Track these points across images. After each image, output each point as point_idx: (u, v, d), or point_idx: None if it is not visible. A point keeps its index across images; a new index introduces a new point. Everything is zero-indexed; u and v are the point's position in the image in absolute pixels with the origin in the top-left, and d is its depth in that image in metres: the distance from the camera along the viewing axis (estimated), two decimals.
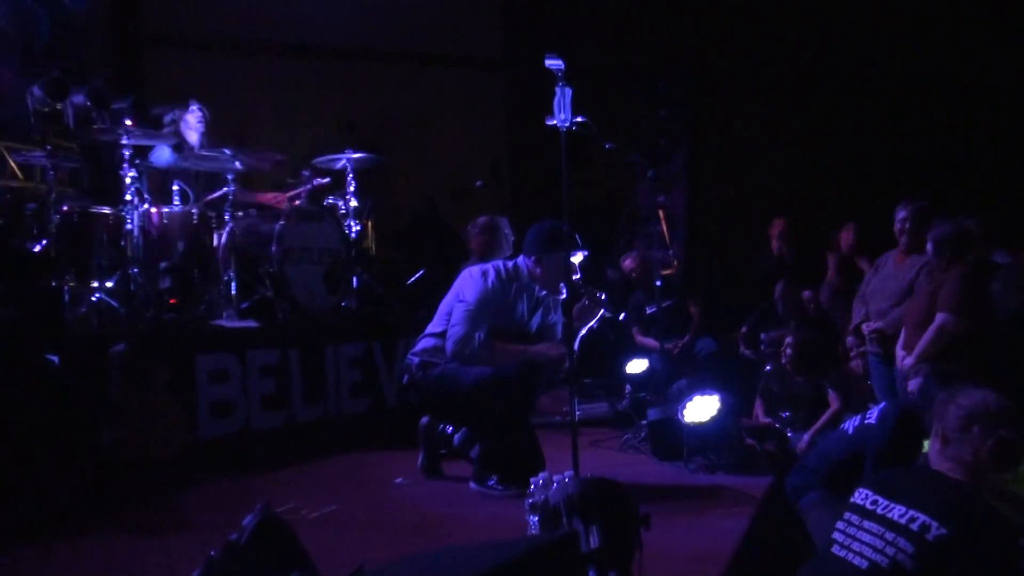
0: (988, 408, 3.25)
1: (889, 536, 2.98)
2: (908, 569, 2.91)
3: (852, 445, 4.47)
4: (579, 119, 4.61)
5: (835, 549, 3.17)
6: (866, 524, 3.09)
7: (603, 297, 5.28)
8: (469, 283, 5.28)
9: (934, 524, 2.92)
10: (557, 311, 5.39)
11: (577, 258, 5.19)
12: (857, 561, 3.04)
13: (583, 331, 5.25)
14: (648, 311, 8.11)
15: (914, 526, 2.94)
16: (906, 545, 2.93)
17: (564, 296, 5.11)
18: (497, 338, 5.16)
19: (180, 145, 7.34)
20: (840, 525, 3.22)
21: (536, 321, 5.42)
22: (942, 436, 3.30)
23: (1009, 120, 10.58)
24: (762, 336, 7.24)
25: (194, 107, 7.50)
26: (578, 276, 5.20)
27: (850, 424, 4.65)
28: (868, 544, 3.03)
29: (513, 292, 5.31)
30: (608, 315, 5.34)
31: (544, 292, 5.38)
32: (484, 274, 5.30)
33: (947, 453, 3.28)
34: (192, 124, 7.49)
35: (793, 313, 8.17)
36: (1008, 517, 3.15)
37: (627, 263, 8.70)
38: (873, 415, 4.49)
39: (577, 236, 5.04)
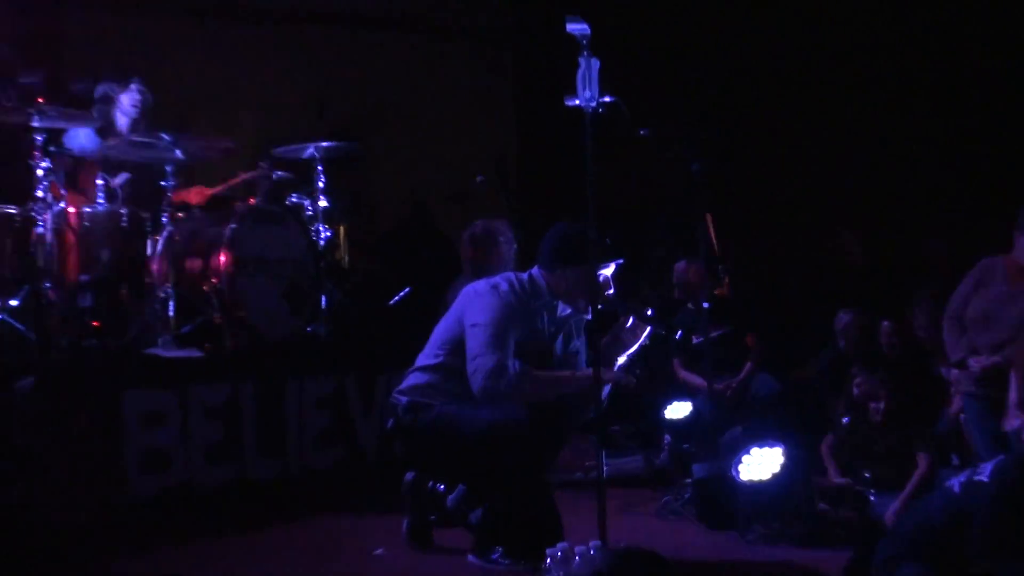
0: None
1: None
2: None
3: (958, 507, 4.42)
4: (607, 99, 4.62)
5: None
6: None
7: (650, 313, 5.25)
8: (477, 302, 5.23)
9: None
10: (580, 336, 5.35)
11: (609, 270, 5.17)
12: None
13: (623, 359, 5.21)
14: (694, 341, 8.05)
15: None
16: None
17: (589, 318, 5.07)
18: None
19: (105, 129, 7.33)
20: None
21: (557, 348, 5.39)
22: None
23: None
24: (857, 381, 7.18)
25: (135, 87, 7.51)
26: (611, 291, 5.17)
27: (956, 481, 4.60)
28: None
29: (533, 310, 5.27)
30: (659, 333, 5.31)
31: (568, 311, 5.33)
32: (494, 288, 5.25)
33: None
34: (126, 106, 7.50)
35: (862, 350, 8.10)
36: None
37: (689, 271, 8.53)
38: (985, 471, 4.45)
39: (608, 241, 5.02)
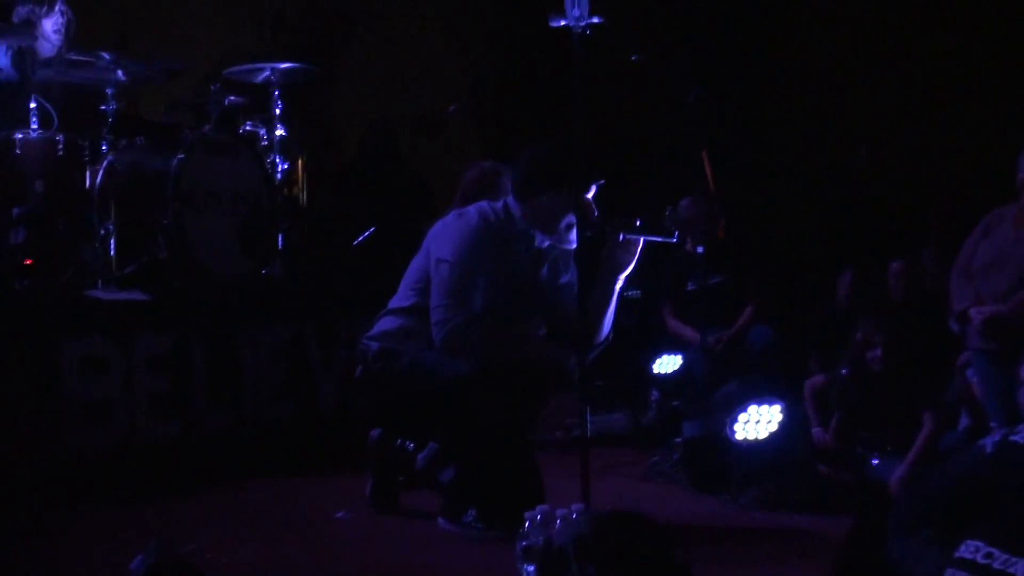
0: None
1: None
2: None
3: (991, 471, 4.44)
4: (596, 20, 4.62)
5: None
6: None
7: (639, 223, 5.24)
8: (444, 233, 5.24)
9: None
10: (570, 268, 5.35)
11: (589, 192, 5.17)
12: None
13: (621, 280, 5.25)
14: (688, 287, 8.05)
15: None
16: None
17: (575, 246, 5.09)
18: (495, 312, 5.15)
19: (24, 55, 7.27)
20: None
21: (543, 277, 5.39)
22: None
23: None
24: (858, 336, 7.22)
25: (58, 8, 7.45)
26: (595, 214, 5.16)
27: (989, 441, 4.63)
28: None
29: (507, 240, 5.26)
30: (653, 241, 5.31)
31: (547, 242, 5.32)
32: (460, 216, 5.27)
33: None
34: (48, 32, 7.42)
35: (865, 308, 8.12)
36: None
37: (691, 209, 8.38)
38: (1022, 432, 4.50)
39: (588, 163, 5.05)
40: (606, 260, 5.22)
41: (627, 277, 5.29)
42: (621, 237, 5.20)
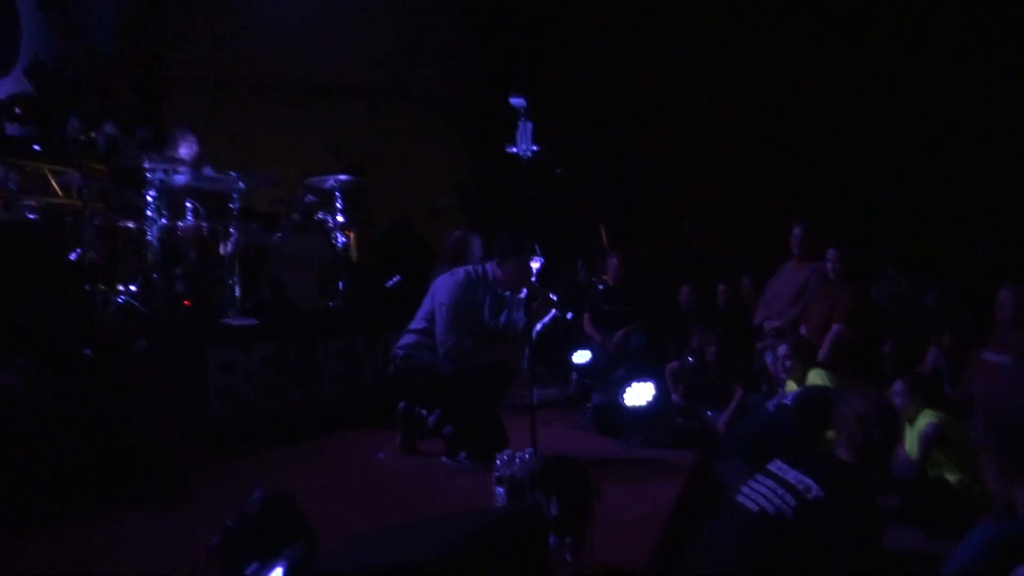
0: (868, 408, 3.43)
1: (780, 491, 3.10)
2: (788, 518, 3.03)
3: (773, 420, 4.51)
4: (535, 148, 4.60)
5: (738, 497, 3.24)
6: (767, 481, 3.19)
7: (554, 298, 5.25)
8: (443, 286, 5.26)
9: (814, 487, 3.06)
10: (519, 310, 5.33)
11: (535, 264, 5.17)
12: (750, 505, 3.14)
13: (538, 327, 5.23)
14: (604, 308, 8.03)
15: (800, 486, 3.08)
16: (790, 500, 3.05)
17: (524, 296, 5.08)
18: (471, 334, 5.14)
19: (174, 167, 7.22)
20: (748, 481, 3.31)
21: (502, 318, 5.38)
22: (836, 425, 3.47)
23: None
24: (696, 339, 7.21)
25: (192, 138, 7.40)
26: (533, 279, 5.17)
27: (771, 403, 4.70)
28: (762, 495, 3.13)
29: (480, 290, 5.28)
30: (558, 314, 5.31)
31: (508, 292, 5.32)
32: (452, 275, 5.30)
33: (839, 439, 3.43)
34: (186, 152, 7.35)
35: (702, 318, 8.12)
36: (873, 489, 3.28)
37: (610, 261, 8.44)
38: (789, 398, 4.55)
39: (536, 246, 5.03)
40: (536, 311, 5.17)
41: (544, 324, 5.27)
42: (540, 301, 5.19)
